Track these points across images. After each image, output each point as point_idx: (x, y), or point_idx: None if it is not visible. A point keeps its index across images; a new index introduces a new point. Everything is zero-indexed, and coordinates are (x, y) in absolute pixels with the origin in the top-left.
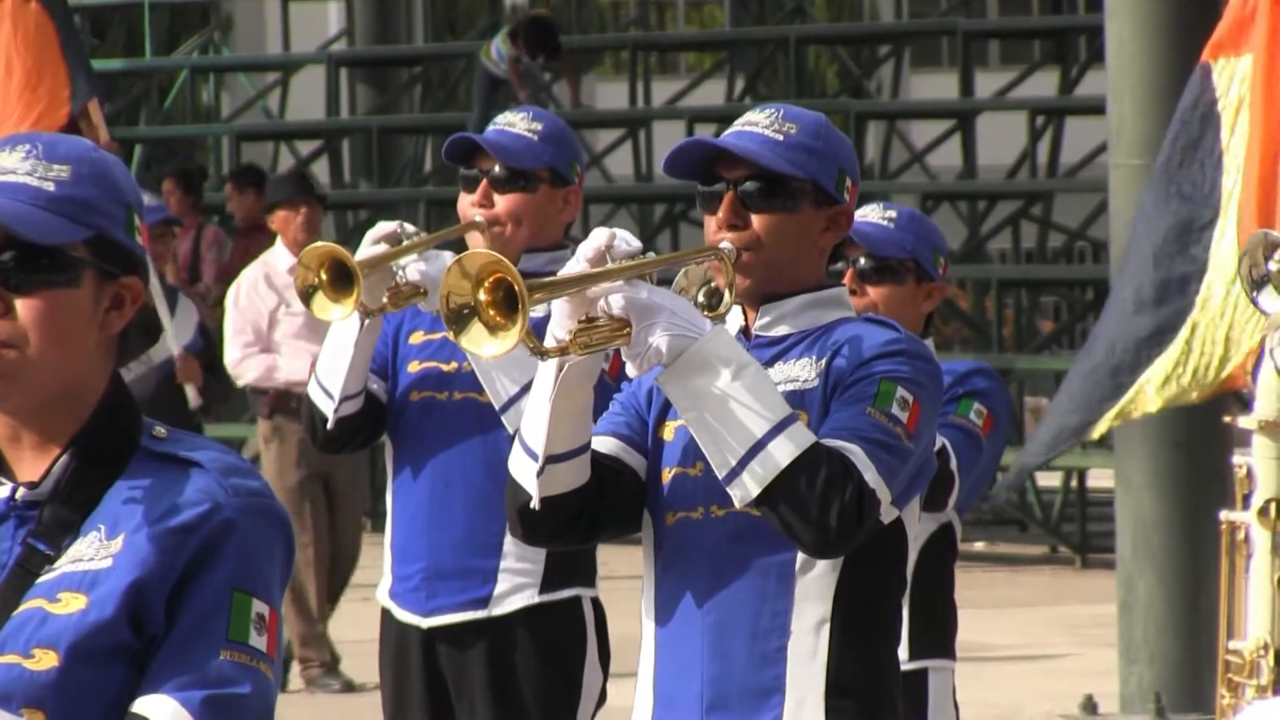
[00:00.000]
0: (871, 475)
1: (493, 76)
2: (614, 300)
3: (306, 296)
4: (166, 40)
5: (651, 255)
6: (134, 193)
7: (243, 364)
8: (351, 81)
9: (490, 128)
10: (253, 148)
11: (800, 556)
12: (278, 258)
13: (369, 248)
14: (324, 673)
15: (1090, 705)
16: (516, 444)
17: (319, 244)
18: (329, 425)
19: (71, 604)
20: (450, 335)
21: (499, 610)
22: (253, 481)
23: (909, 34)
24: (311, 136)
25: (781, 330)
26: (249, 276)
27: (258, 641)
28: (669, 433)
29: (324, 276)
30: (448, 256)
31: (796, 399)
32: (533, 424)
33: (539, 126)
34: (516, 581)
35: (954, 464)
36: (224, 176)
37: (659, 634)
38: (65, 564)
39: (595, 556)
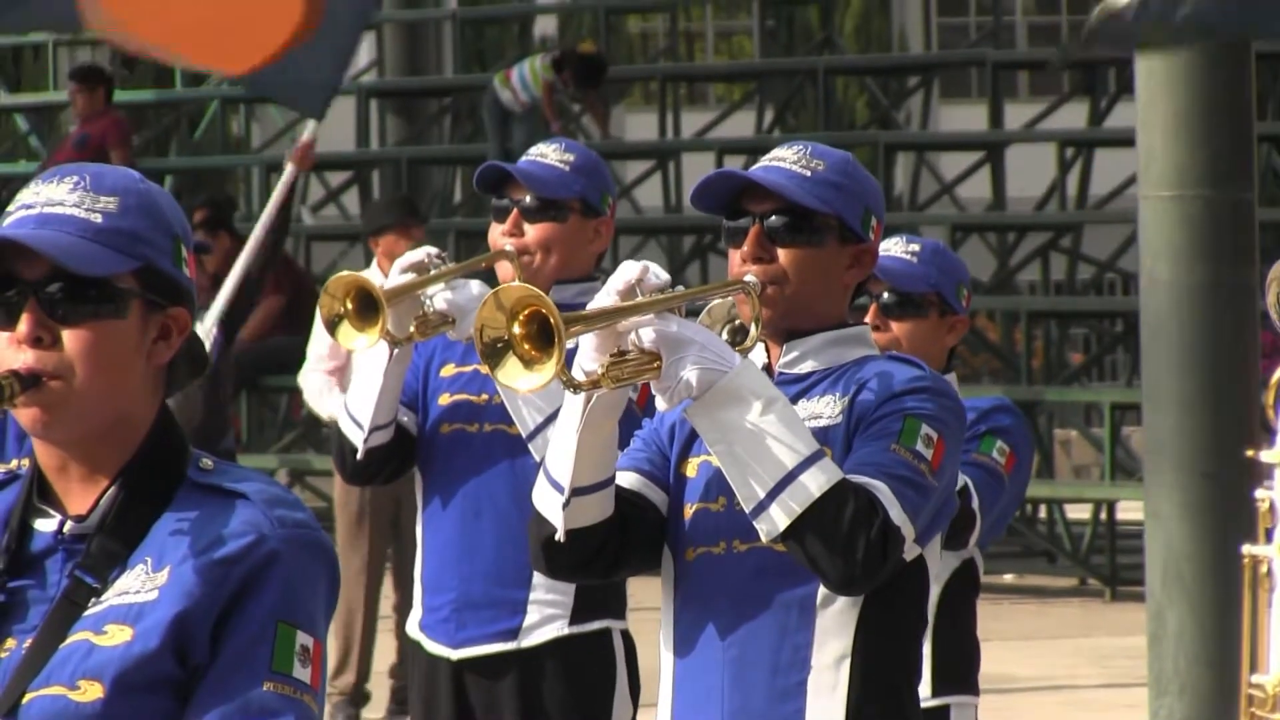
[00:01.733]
0: (896, 512)
1: (503, 108)
2: (644, 334)
3: (332, 326)
4: (197, 71)
5: (680, 289)
6: (181, 224)
7: (319, 395)
8: (381, 112)
9: (523, 158)
10: None
11: (821, 591)
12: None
13: (397, 276)
14: (344, 701)
15: None
16: (541, 476)
17: (344, 273)
18: (358, 456)
19: (117, 636)
20: (485, 369)
21: (529, 642)
22: (298, 513)
23: (938, 65)
24: (342, 167)
25: (806, 367)
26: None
27: (301, 673)
28: (692, 469)
29: (350, 305)
30: (475, 285)
31: (820, 435)
32: (559, 456)
33: (571, 158)
34: (546, 613)
35: (975, 503)
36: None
37: (678, 667)
38: (112, 597)
39: (625, 589)
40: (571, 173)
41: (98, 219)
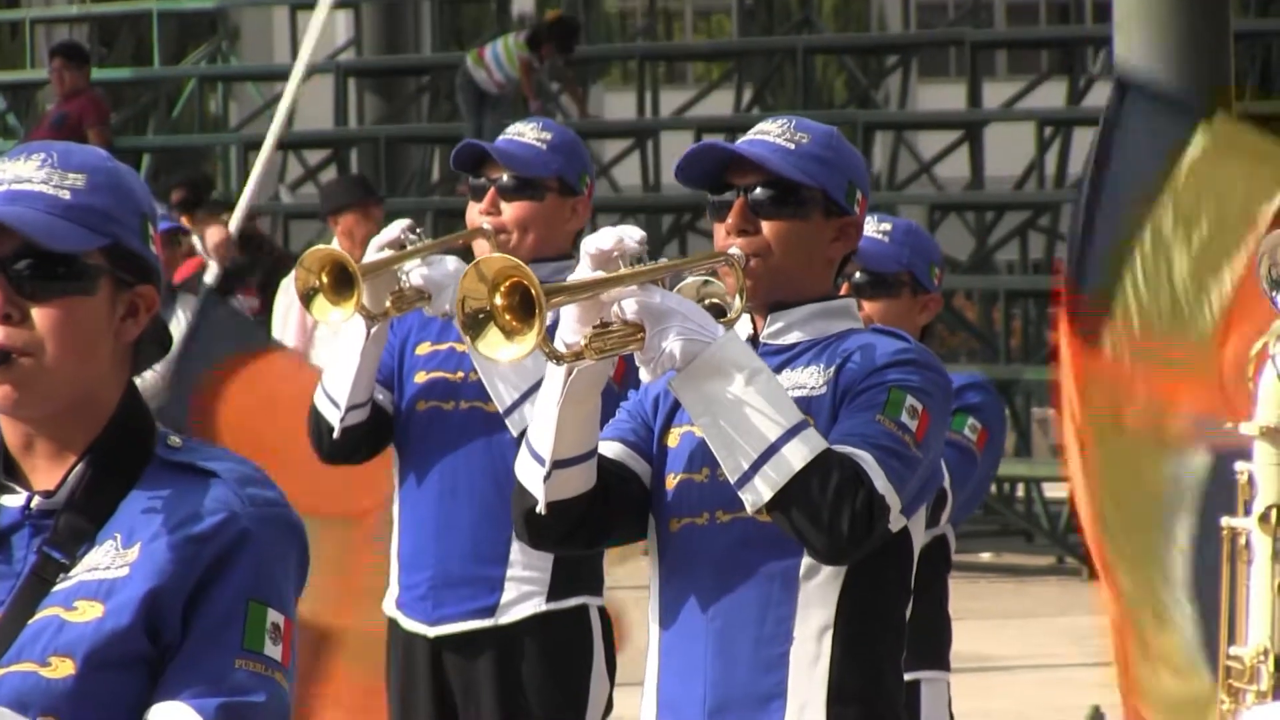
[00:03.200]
0: (881, 482)
1: (479, 88)
2: (627, 305)
3: (307, 299)
4: (174, 50)
5: (663, 260)
6: (148, 202)
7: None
8: (359, 91)
9: (501, 137)
10: None
11: (805, 563)
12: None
13: (374, 253)
14: None
15: (1097, 716)
16: (523, 449)
17: (320, 247)
18: (335, 435)
19: (88, 612)
20: (467, 340)
21: (506, 619)
22: (269, 491)
23: (917, 44)
24: (319, 146)
25: (791, 338)
26: (290, 281)
27: (273, 651)
28: (674, 439)
29: (325, 279)
30: (451, 261)
31: (804, 406)
32: (540, 429)
33: (549, 136)
34: (523, 590)
35: (947, 480)
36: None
37: (663, 639)
38: (81, 573)
39: (602, 565)
40: (549, 151)
41: (66, 196)
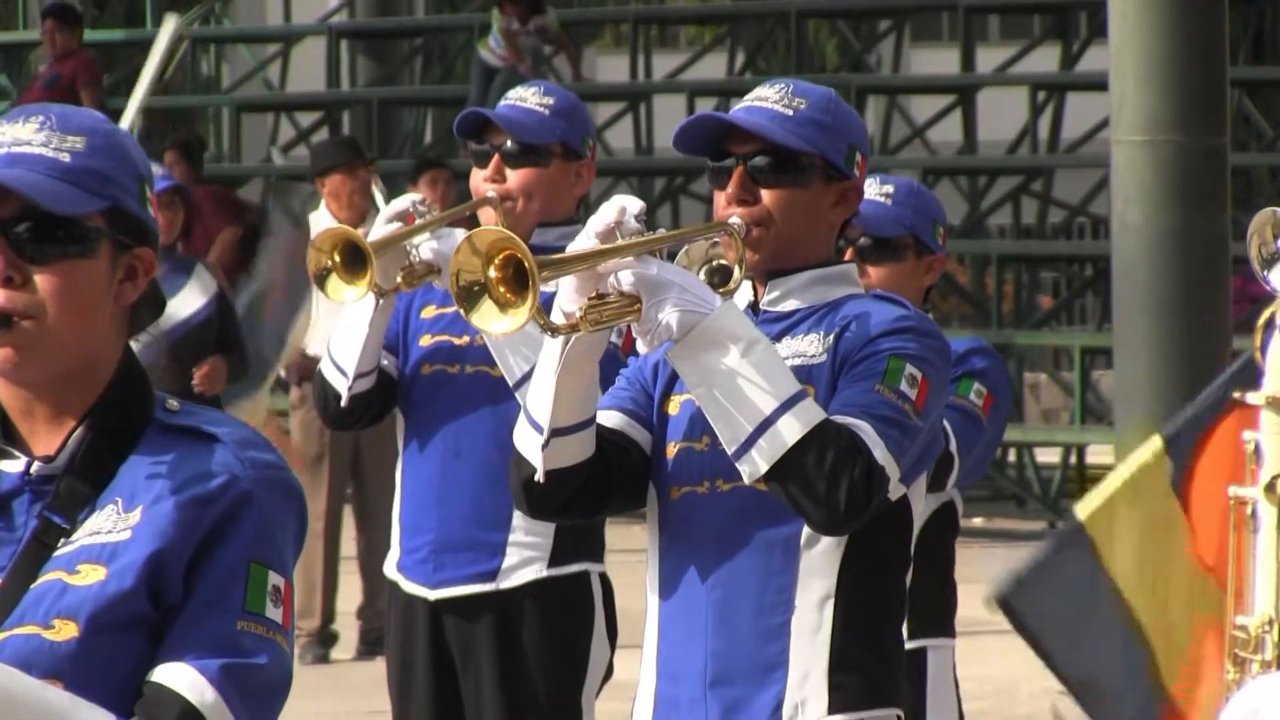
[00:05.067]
0: (880, 452)
1: (488, 67)
2: (624, 276)
3: (321, 280)
4: (166, 11)
5: (661, 231)
6: (145, 165)
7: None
8: (352, 53)
9: (502, 102)
10: (253, 119)
11: (805, 531)
12: (320, 221)
13: (382, 227)
14: (311, 642)
15: None
16: (522, 417)
17: (331, 227)
18: (342, 402)
19: (91, 575)
20: (461, 313)
21: (507, 584)
22: (268, 454)
23: (909, 8)
24: (312, 108)
25: (790, 305)
26: None
27: (274, 613)
28: (674, 407)
29: (337, 259)
30: (460, 234)
31: (804, 374)
32: (538, 398)
33: (551, 101)
34: (525, 555)
35: (953, 445)
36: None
37: (663, 608)
38: (83, 537)
39: (603, 532)
40: (552, 116)
41: (66, 158)
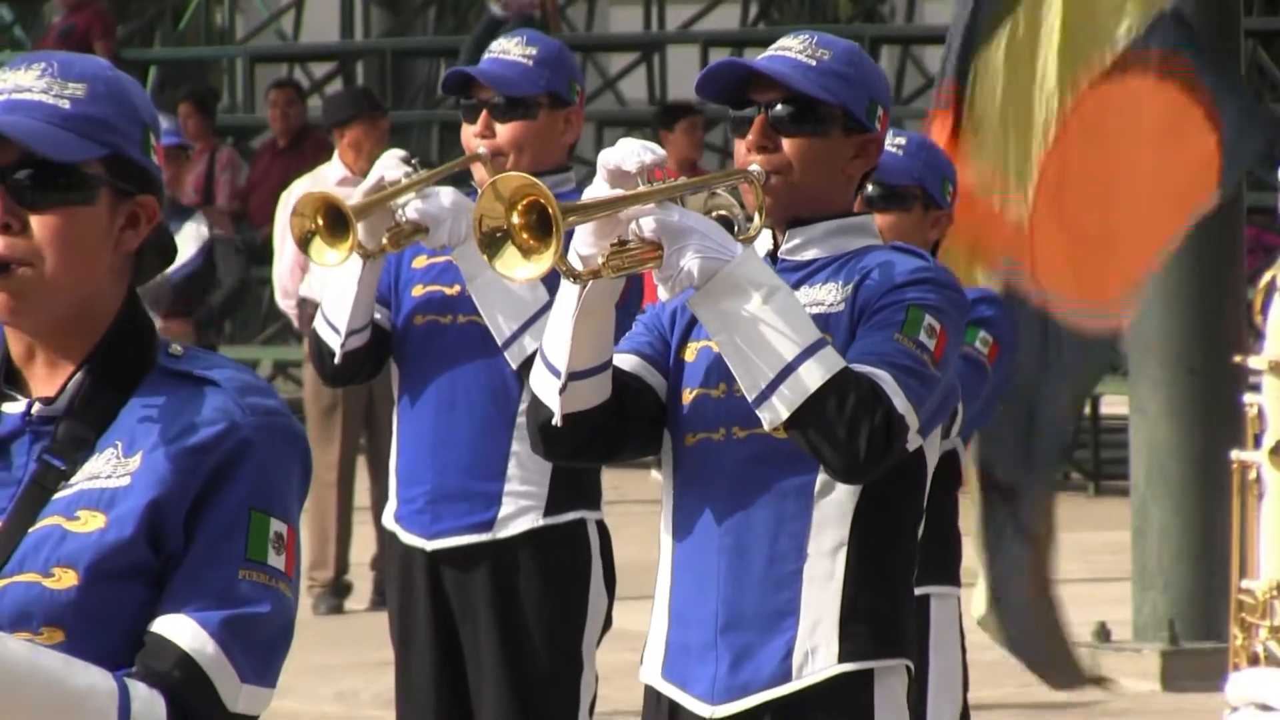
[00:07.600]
0: (900, 401)
1: (493, 18)
2: (645, 223)
3: (304, 243)
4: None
5: (682, 179)
6: (149, 112)
7: (292, 279)
8: (366, 4)
9: (485, 56)
10: (266, 70)
11: (820, 480)
12: (331, 171)
13: (371, 181)
14: (325, 593)
15: (1103, 632)
16: (538, 361)
17: (313, 191)
18: (336, 360)
19: (90, 523)
20: (485, 259)
21: (503, 533)
22: (270, 400)
23: None
24: (326, 59)
25: (809, 254)
26: (298, 190)
27: (276, 561)
28: (691, 353)
29: (320, 222)
30: (446, 194)
31: (821, 322)
32: (555, 341)
33: (534, 50)
34: (521, 504)
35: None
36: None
37: (676, 554)
38: (82, 480)
39: (600, 479)
40: (536, 67)
41: (66, 105)
